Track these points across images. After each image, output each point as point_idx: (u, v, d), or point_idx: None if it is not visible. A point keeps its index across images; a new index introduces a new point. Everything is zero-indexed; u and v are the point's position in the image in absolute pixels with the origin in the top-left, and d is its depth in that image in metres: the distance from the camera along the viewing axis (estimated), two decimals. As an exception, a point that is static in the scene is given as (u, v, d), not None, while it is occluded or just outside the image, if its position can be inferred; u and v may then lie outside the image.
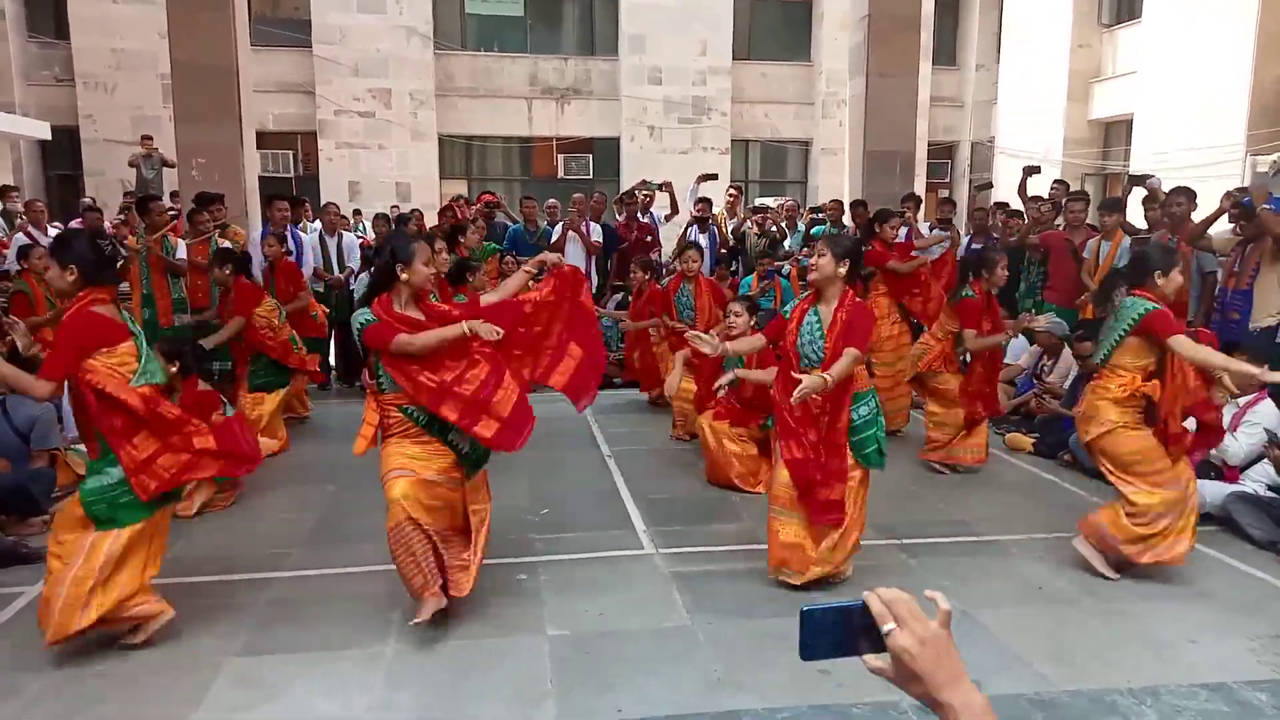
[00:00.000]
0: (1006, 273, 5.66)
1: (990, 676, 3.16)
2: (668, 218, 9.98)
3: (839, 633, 1.02)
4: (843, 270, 3.83)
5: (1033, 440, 6.26)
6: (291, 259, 7.40)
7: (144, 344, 3.40)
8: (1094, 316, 6.87)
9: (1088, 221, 7.54)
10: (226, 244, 7.36)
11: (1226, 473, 4.94)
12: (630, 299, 8.43)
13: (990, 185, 12.63)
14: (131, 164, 12.22)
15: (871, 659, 1.00)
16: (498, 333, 3.43)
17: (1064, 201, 7.88)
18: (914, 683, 0.98)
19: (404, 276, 3.48)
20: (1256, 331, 5.76)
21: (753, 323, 5.32)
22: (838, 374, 3.62)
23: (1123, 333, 3.91)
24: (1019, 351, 7.28)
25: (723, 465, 5.37)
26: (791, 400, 3.60)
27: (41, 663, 3.30)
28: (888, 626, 0.99)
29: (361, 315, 3.50)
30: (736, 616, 3.72)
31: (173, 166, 12.11)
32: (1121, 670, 3.27)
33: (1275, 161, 11.71)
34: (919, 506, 5.13)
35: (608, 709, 3.02)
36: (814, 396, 3.68)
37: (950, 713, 0.96)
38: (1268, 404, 4.98)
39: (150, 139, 12.35)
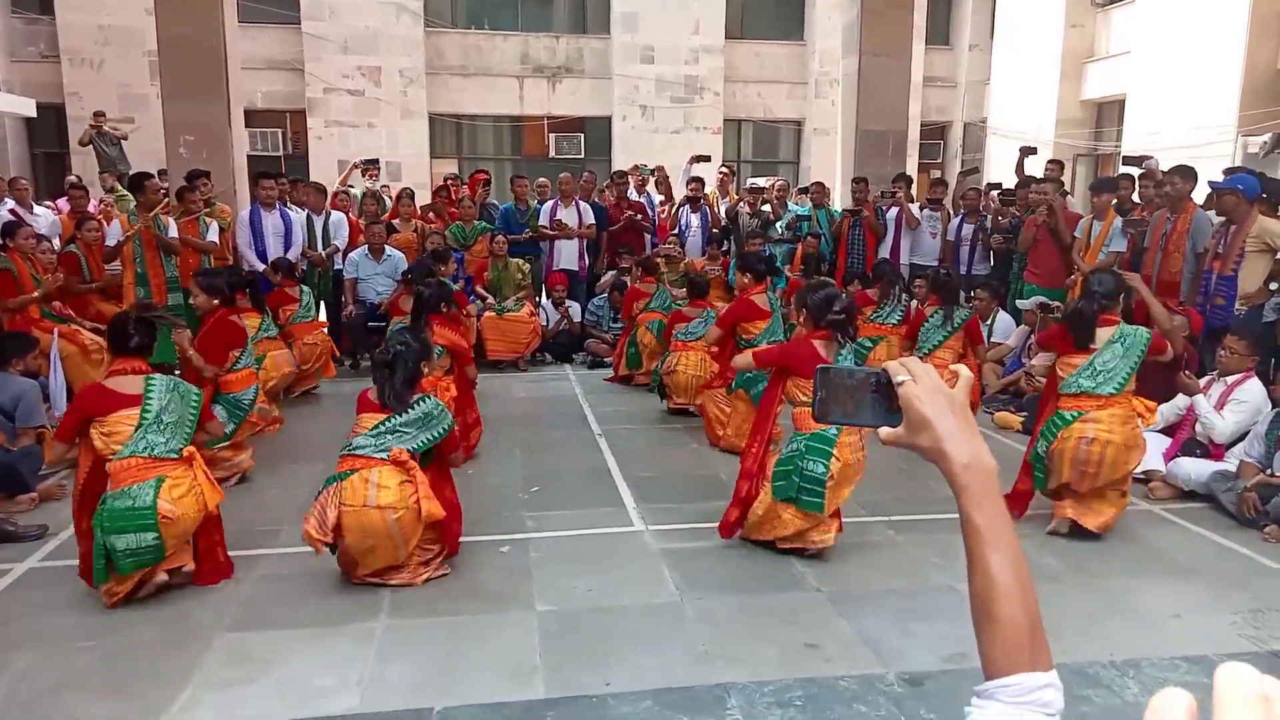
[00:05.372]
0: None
1: (975, 648, 3.18)
2: (662, 202, 9.98)
3: (856, 397, 1.02)
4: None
5: (1021, 419, 6.29)
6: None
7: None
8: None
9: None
10: (215, 224, 7.32)
11: (1213, 450, 4.98)
12: (624, 280, 8.39)
13: (976, 170, 12.58)
14: (83, 143, 11.86)
15: (884, 431, 1.00)
16: None
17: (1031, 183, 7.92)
18: (923, 431, 0.96)
19: None
20: (1241, 313, 5.75)
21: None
22: None
23: None
24: (1007, 331, 7.30)
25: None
26: None
27: (30, 638, 3.30)
28: (901, 377, 0.98)
29: None
30: (725, 592, 3.75)
31: (126, 139, 11.84)
32: (1105, 643, 3.31)
33: (1266, 142, 11.73)
34: (909, 485, 5.14)
35: (596, 683, 3.04)
36: None
37: (954, 466, 0.94)
38: (1254, 382, 5.01)
39: (102, 114, 11.88)
